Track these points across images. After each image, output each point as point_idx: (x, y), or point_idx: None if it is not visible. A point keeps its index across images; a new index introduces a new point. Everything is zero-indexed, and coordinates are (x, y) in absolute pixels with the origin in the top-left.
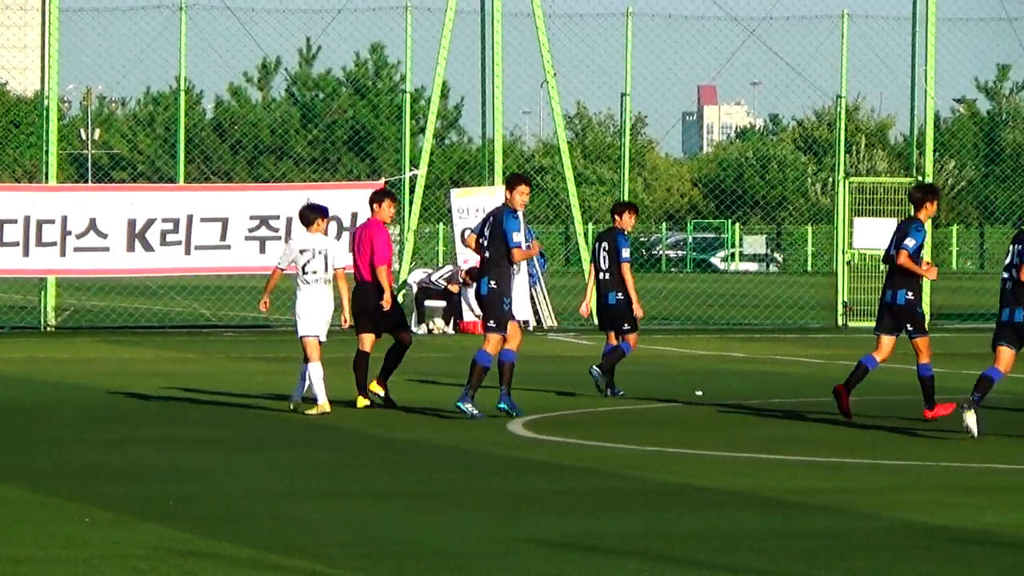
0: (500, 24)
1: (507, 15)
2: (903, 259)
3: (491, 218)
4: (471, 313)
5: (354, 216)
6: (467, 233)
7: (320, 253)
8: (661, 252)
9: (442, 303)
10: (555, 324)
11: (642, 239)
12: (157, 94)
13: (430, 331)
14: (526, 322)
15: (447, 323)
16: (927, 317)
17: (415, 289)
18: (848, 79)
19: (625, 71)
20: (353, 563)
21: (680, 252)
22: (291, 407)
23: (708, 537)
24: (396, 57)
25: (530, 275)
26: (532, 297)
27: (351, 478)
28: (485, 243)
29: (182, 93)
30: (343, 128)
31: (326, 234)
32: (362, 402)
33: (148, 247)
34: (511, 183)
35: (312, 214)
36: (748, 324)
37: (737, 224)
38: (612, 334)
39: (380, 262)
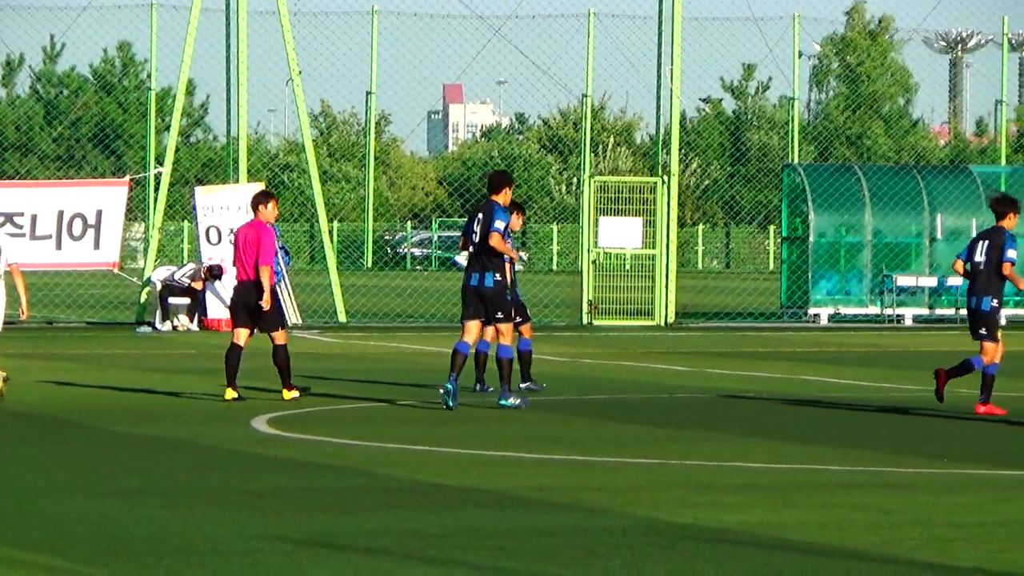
0: (245, 22)
1: (252, 13)
2: (1008, 271)
3: (480, 215)
4: (216, 310)
5: (99, 213)
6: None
7: None
8: (406, 250)
9: (186, 300)
10: (299, 321)
11: (386, 237)
12: None
13: (175, 328)
14: None
15: (191, 320)
16: (674, 316)
17: (159, 286)
18: (594, 78)
19: (370, 69)
20: (97, 560)
21: (426, 251)
22: None
23: (448, 534)
24: (143, 55)
25: (275, 272)
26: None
27: (96, 475)
28: (476, 239)
29: None
30: (88, 125)
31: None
32: (230, 394)
33: None
34: (503, 182)
35: None
36: None
37: None
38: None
39: (265, 262)
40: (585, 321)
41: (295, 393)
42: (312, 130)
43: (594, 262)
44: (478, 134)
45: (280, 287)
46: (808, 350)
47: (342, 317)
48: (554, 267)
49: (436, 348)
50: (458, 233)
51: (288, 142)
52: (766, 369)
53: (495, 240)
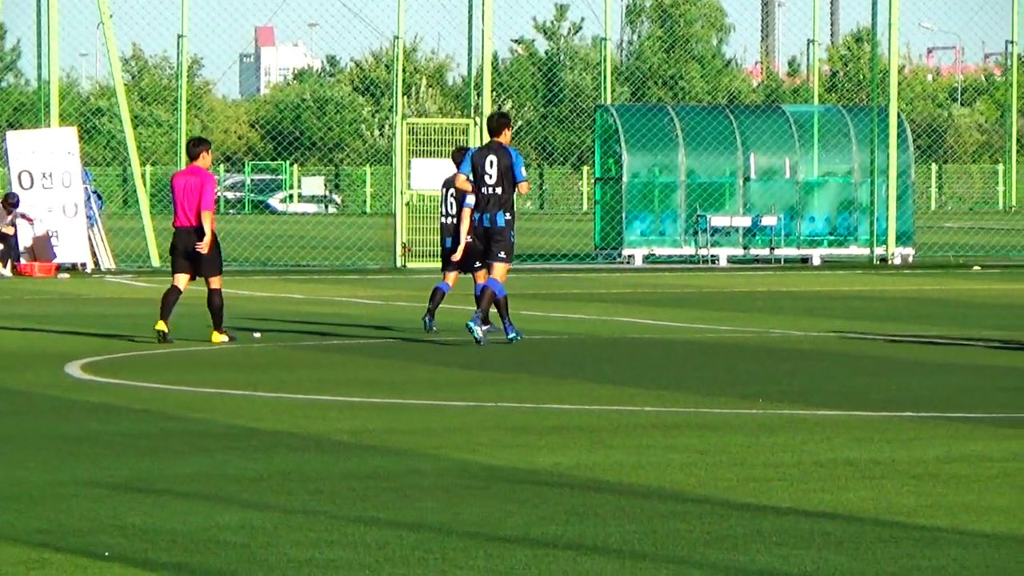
0: None
1: None
2: None
3: (492, 157)
4: (26, 238)
5: None
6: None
7: None
8: (219, 194)
9: None
10: (113, 266)
11: None
12: None
13: None
14: (83, 264)
15: (4, 265)
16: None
17: None
18: (406, 20)
19: (182, 12)
20: None
21: (238, 194)
22: None
23: (263, 478)
24: None
25: (88, 216)
26: (90, 239)
27: None
28: (491, 180)
29: None
30: None
31: None
32: (160, 325)
33: None
34: (506, 122)
35: None
36: (307, 265)
37: (295, 166)
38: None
39: (207, 207)
40: (399, 264)
41: (224, 338)
42: (124, 74)
43: (407, 204)
44: (290, 77)
45: (93, 231)
46: (622, 291)
47: (156, 261)
48: (367, 210)
49: (249, 292)
50: (271, 176)
51: (100, 86)
52: (581, 310)
53: (526, 188)
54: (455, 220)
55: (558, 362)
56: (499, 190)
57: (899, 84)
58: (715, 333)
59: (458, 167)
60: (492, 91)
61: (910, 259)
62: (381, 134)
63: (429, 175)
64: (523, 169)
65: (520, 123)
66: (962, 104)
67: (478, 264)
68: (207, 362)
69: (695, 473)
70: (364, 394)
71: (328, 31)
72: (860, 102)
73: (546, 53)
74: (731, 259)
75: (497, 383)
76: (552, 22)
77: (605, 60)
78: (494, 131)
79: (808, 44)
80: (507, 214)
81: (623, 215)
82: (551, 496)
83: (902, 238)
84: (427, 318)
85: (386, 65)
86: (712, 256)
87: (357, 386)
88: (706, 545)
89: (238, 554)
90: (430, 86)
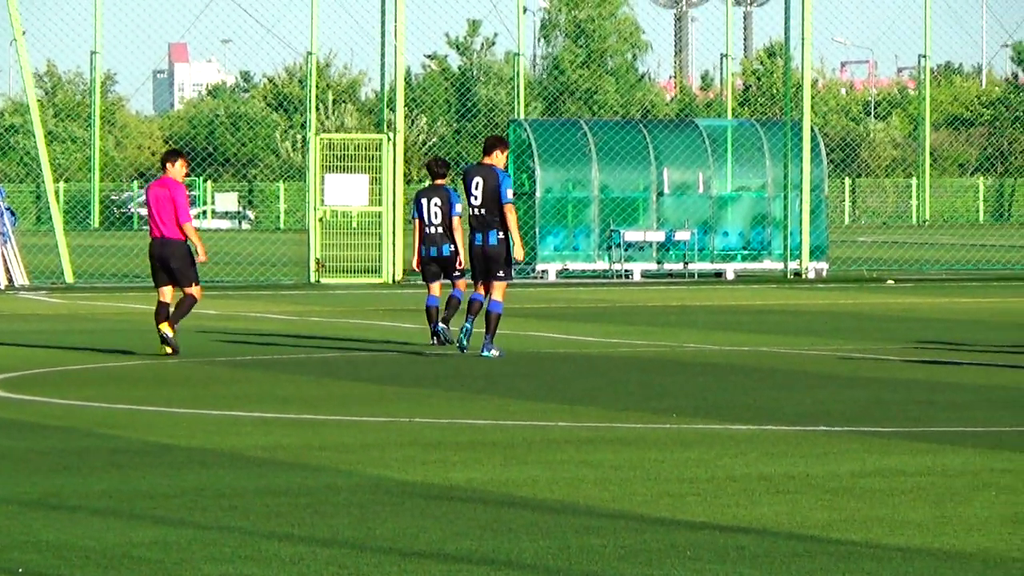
0: None
1: None
2: None
3: (478, 179)
4: None
5: None
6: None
7: None
8: (133, 210)
9: None
10: (27, 283)
11: (113, 197)
12: None
13: None
14: None
15: None
16: (402, 274)
17: None
18: (319, 36)
19: (95, 29)
20: None
21: None
22: None
23: (177, 495)
24: None
25: (1, 233)
26: (3, 255)
27: None
28: (476, 202)
29: None
30: None
31: None
32: (161, 349)
33: None
34: (496, 145)
35: None
36: (220, 281)
37: (209, 182)
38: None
39: (186, 219)
40: (313, 279)
41: (169, 332)
42: (37, 90)
43: (321, 220)
44: (204, 93)
45: (7, 248)
46: (536, 306)
47: (69, 278)
48: (281, 225)
49: None
50: (189, 193)
51: (13, 103)
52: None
53: (511, 211)
54: (438, 229)
55: (472, 377)
56: (484, 211)
57: (812, 98)
58: (629, 348)
59: (433, 177)
60: (405, 106)
61: (824, 273)
62: (295, 149)
63: (343, 191)
64: (509, 191)
65: (434, 139)
66: (876, 118)
67: (435, 269)
68: (121, 378)
69: (609, 488)
70: (278, 410)
71: (242, 47)
72: (773, 116)
73: (459, 68)
74: (645, 274)
75: (411, 399)
76: (465, 38)
77: (518, 75)
78: (485, 152)
79: (721, 58)
80: (499, 232)
81: (536, 230)
82: (465, 511)
83: (816, 252)
84: (448, 332)
85: (300, 81)
86: (626, 271)
87: (271, 402)
88: (620, 560)
89: (152, 570)
90: (336, 101)
